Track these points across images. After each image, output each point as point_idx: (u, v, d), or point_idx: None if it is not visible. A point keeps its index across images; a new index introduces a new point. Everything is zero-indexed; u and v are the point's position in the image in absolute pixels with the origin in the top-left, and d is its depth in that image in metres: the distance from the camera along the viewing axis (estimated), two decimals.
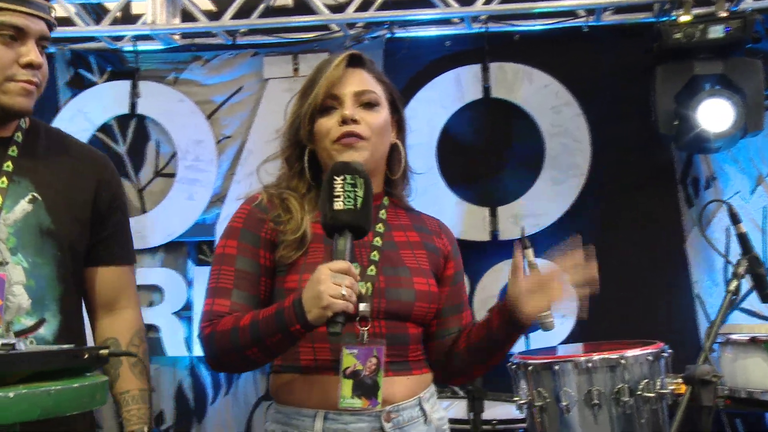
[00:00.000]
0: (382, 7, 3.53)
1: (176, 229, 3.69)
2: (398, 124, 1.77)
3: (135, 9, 3.85)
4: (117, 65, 3.99)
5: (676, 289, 3.45)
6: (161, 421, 3.83)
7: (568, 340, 3.40)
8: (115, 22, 3.74)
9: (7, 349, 1.23)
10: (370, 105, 1.67)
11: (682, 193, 3.48)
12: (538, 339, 3.35)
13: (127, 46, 3.88)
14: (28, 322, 1.83)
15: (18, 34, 1.77)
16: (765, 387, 2.68)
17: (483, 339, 1.66)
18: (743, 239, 2.47)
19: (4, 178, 1.84)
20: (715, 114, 3.12)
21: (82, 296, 1.98)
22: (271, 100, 3.65)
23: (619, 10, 3.46)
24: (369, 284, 1.61)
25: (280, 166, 1.76)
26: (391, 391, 1.62)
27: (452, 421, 2.91)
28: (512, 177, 3.61)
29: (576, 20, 3.50)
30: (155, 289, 3.77)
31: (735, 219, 2.50)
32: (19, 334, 1.81)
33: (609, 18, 3.47)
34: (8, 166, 1.84)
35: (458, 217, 3.58)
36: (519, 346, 3.30)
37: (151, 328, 3.72)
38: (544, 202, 3.52)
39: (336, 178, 1.50)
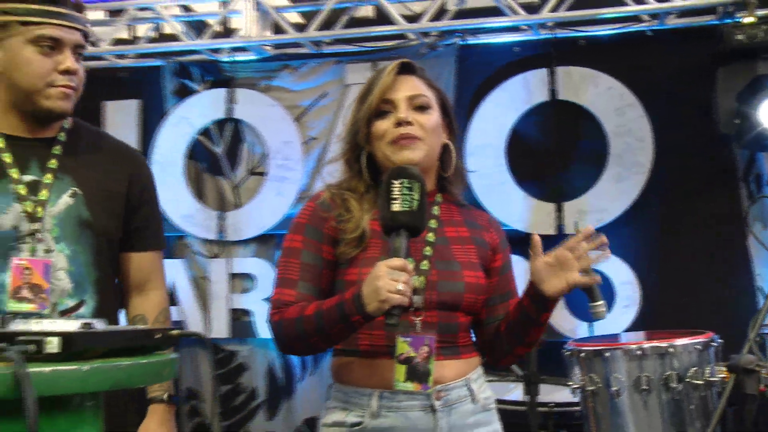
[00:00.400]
0: (455, 17, 3.68)
1: (267, 223, 3.92)
2: (449, 126, 1.83)
3: (232, 24, 4.10)
4: (215, 75, 4.23)
5: (737, 281, 3.50)
6: (254, 397, 4.12)
7: (632, 329, 3.49)
8: (215, 36, 4.00)
9: (85, 327, 1.30)
10: (422, 108, 1.74)
11: (744, 189, 3.54)
12: (602, 327, 3.45)
13: (225, 57, 4.13)
14: (70, 303, 1.98)
15: (55, 45, 1.89)
16: None
17: (518, 317, 1.72)
18: None
19: (50, 175, 1.98)
20: None
21: (115, 279, 2.13)
22: (352, 104, 3.90)
23: (683, 13, 3.52)
24: (422, 278, 1.68)
25: (342, 168, 1.84)
26: (441, 373, 1.69)
27: (510, 402, 3.02)
28: (577, 174, 3.70)
29: (640, 25, 3.58)
30: (248, 277, 4.04)
31: None
32: (62, 313, 1.98)
33: (673, 22, 3.54)
34: (53, 163, 1.97)
35: (526, 212, 3.71)
36: (582, 333, 3.49)
37: (245, 312, 4.03)
38: (608, 198, 3.61)
39: (394, 181, 1.58)
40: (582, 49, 3.71)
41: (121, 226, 2.05)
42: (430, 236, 1.74)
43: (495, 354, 1.80)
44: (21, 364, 1.13)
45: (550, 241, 3.56)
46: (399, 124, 1.70)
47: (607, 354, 2.64)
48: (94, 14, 4.16)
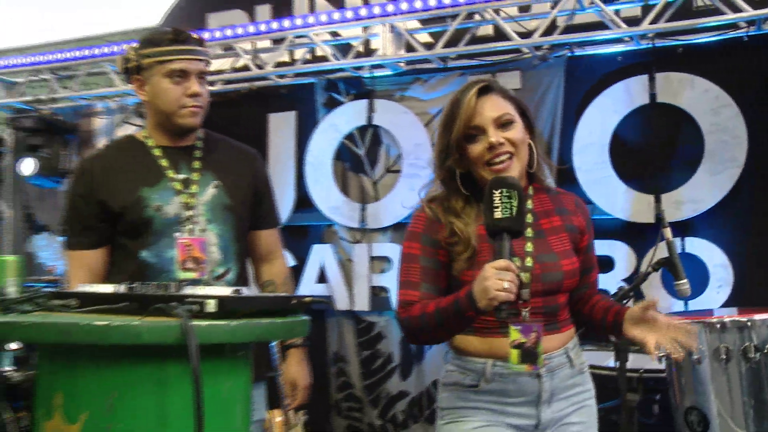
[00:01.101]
0: (564, 32, 3.92)
1: (401, 214, 4.21)
2: (529, 127, 1.85)
3: (371, 45, 4.46)
4: (358, 88, 4.56)
5: None
6: (390, 360, 4.44)
7: (725, 306, 3.68)
8: (357, 56, 4.36)
9: (236, 293, 1.45)
10: (507, 124, 1.78)
11: None
12: (697, 303, 3.65)
13: (366, 74, 4.48)
14: (220, 270, 2.20)
15: (183, 75, 2.14)
16: None
17: (596, 319, 1.87)
18: None
19: (196, 173, 2.21)
20: None
21: (247, 250, 2.34)
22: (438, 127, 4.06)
23: None
24: (528, 274, 1.75)
25: (434, 185, 1.89)
26: (546, 345, 1.77)
27: (605, 368, 3.13)
28: (674, 169, 3.85)
29: (737, 31, 3.67)
30: (385, 259, 4.40)
31: None
32: (216, 279, 2.19)
33: None
34: (197, 164, 2.21)
35: (627, 202, 3.90)
36: (678, 307, 3.69)
37: (383, 289, 4.39)
38: (703, 190, 3.75)
39: (494, 191, 1.63)
40: (679, 56, 3.84)
41: (250, 209, 2.28)
42: (529, 231, 1.81)
43: (580, 325, 1.94)
44: (187, 319, 1.31)
45: (648, 228, 3.92)
46: (491, 148, 1.75)
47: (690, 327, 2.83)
48: (262, 43, 4.68)
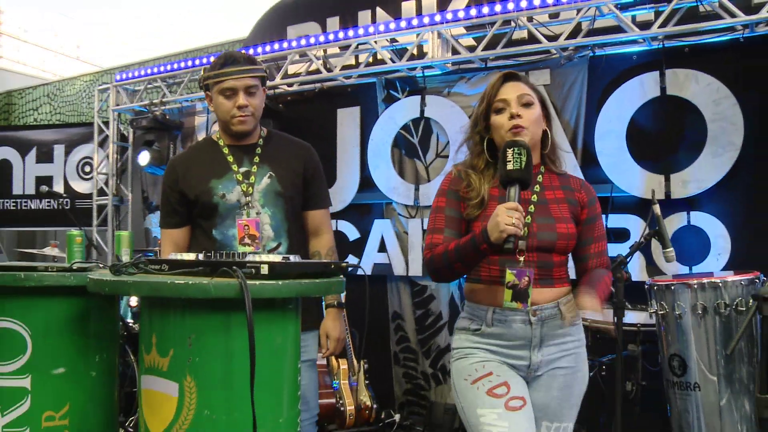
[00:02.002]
0: (587, 35, 4.27)
1: None
2: (546, 117, 2.06)
3: (424, 49, 4.82)
4: (412, 86, 4.94)
5: None
6: (441, 318, 4.79)
7: (725, 269, 3.94)
8: (411, 58, 4.78)
9: (285, 260, 1.63)
10: (527, 104, 1.98)
11: None
12: (701, 268, 4.01)
13: (418, 74, 4.83)
14: (273, 244, 2.40)
15: (232, 91, 2.35)
16: None
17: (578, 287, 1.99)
18: None
19: (255, 166, 2.41)
20: None
21: (301, 227, 2.51)
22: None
23: None
24: (526, 229, 1.91)
25: (467, 150, 2.11)
26: (538, 297, 1.94)
27: (603, 322, 3.38)
28: (682, 152, 4.11)
29: (734, 33, 3.94)
30: None
31: None
32: (269, 251, 2.38)
33: (762, 29, 3.92)
34: (256, 158, 2.42)
35: (641, 181, 4.16)
36: (684, 270, 3.97)
37: None
38: (706, 170, 4.01)
39: (508, 149, 1.84)
40: (686, 55, 4.12)
41: (301, 193, 2.47)
42: (534, 197, 2.01)
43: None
44: (243, 279, 1.50)
45: (661, 204, 4.09)
46: (512, 117, 1.96)
47: (673, 287, 3.05)
48: (331, 49, 5.21)
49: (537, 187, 2.02)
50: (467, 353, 2.01)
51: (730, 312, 2.93)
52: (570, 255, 2.11)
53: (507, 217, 1.75)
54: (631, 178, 4.25)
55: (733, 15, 3.92)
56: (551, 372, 2.01)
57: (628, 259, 2.92)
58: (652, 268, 4.24)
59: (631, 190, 4.24)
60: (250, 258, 1.66)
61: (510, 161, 1.83)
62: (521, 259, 1.92)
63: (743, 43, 4.00)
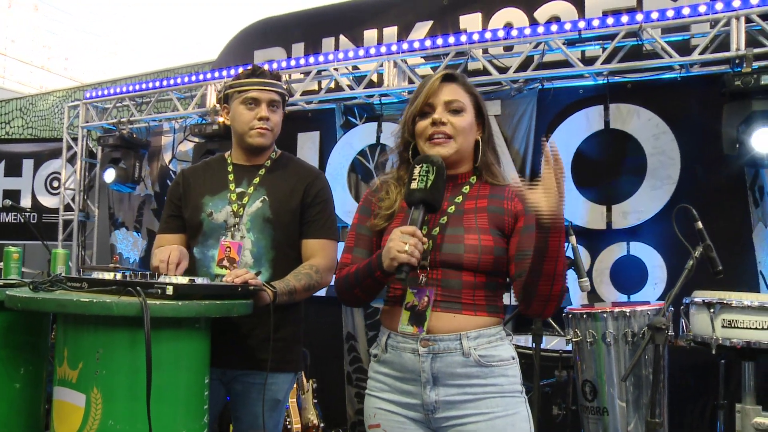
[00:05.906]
0: (536, 69, 4.47)
1: None
2: (481, 125, 1.83)
3: (383, 77, 4.92)
4: (369, 113, 5.07)
5: (744, 266, 3.94)
6: None
7: (662, 298, 3.99)
8: (369, 86, 4.94)
9: (190, 282, 1.68)
10: (456, 111, 1.76)
11: (750, 197, 3.98)
12: (638, 296, 4.10)
13: (376, 101, 5.01)
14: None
15: (255, 102, 2.27)
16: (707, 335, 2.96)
17: (534, 252, 1.59)
18: None
19: (252, 188, 2.30)
20: (766, 140, 3.71)
21: (296, 257, 2.29)
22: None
23: (704, 64, 4.10)
24: (430, 241, 1.70)
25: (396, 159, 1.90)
26: (435, 323, 1.69)
27: (523, 348, 3.47)
28: (623, 184, 4.27)
29: (672, 72, 4.19)
30: None
31: None
32: None
33: (696, 70, 4.16)
34: (257, 180, 2.31)
35: (584, 211, 4.35)
36: (623, 299, 4.06)
37: None
38: (645, 202, 4.17)
39: (416, 166, 1.66)
40: (629, 91, 4.30)
41: (298, 220, 2.30)
42: (451, 209, 1.77)
43: (527, 300, 1.67)
44: (144, 298, 1.58)
45: (601, 235, 4.41)
46: (434, 123, 1.75)
47: (585, 316, 3.15)
48: (295, 74, 5.33)
49: (459, 198, 1.80)
50: (370, 387, 1.84)
51: (637, 340, 3.03)
52: (506, 278, 1.79)
53: (400, 243, 1.58)
54: (575, 207, 4.39)
55: (671, 55, 4.14)
56: (454, 420, 1.70)
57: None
58: (593, 295, 4.35)
59: (573, 218, 4.35)
60: (162, 279, 1.76)
61: (415, 179, 1.65)
62: (422, 276, 1.70)
63: (680, 82, 4.23)
